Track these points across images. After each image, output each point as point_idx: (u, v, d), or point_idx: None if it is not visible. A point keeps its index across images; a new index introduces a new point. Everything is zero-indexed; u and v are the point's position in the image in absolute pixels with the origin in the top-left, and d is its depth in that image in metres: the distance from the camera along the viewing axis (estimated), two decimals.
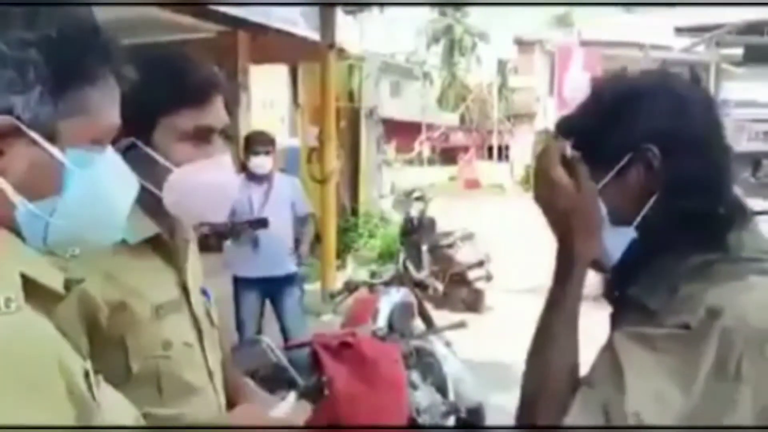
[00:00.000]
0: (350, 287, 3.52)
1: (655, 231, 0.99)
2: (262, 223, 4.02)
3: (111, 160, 0.83)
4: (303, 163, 7.53)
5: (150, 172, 1.18)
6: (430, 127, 32.04)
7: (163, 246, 1.24)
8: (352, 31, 10.68)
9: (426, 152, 31.50)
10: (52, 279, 0.74)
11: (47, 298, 0.73)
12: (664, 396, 0.88)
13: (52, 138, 0.74)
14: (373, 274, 3.66)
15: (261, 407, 1.23)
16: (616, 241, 1.00)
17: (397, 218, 9.14)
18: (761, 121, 29.31)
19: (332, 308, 3.59)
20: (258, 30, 6.10)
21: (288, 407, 1.18)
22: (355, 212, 9.55)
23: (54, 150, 0.75)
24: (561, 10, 41.43)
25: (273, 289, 4.41)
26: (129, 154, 1.14)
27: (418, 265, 5.93)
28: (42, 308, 0.72)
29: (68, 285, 0.77)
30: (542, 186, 1.00)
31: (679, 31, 30.63)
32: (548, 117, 29.50)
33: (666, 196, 0.98)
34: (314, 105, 8.00)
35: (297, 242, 4.54)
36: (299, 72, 9.11)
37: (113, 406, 0.78)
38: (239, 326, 4.36)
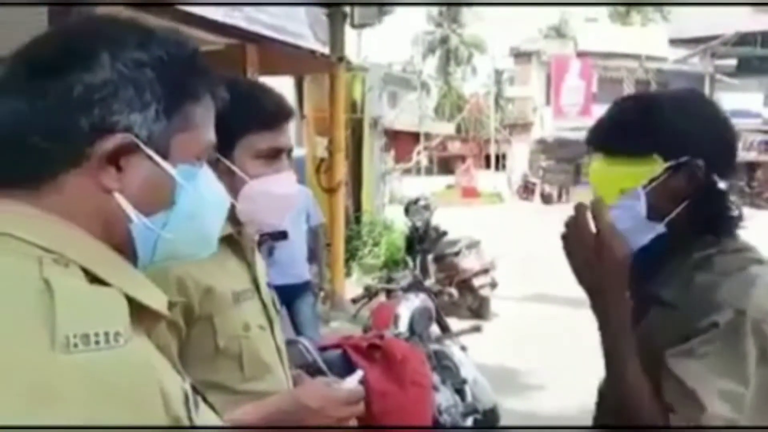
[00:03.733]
0: (370, 293, 3.65)
1: (678, 230, 1.16)
2: (283, 235, 4.15)
3: (209, 176, 0.86)
4: (311, 173, 7.65)
5: (227, 183, 1.35)
6: (428, 136, 32.23)
7: (234, 245, 1.41)
8: (351, 42, 10.85)
9: (424, 161, 31.69)
10: (159, 302, 0.76)
11: (150, 319, 0.74)
12: (731, 393, 1.02)
13: (164, 154, 0.77)
14: (390, 280, 3.80)
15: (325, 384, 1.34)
16: (645, 232, 1.15)
17: (399, 226, 9.27)
18: (755, 131, 29.60)
19: (353, 313, 3.72)
20: (267, 43, 6.23)
21: (357, 381, 1.28)
22: (358, 221, 9.67)
23: (168, 167, 0.78)
24: (557, 20, 41.80)
25: (289, 295, 4.54)
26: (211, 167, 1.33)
27: (425, 273, 6.07)
28: (142, 328, 0.73)
29: (170, 306, 0.78)
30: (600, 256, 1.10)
31: (674, 42, 31.05)
32: (545, 126, 29.86)
33: (697, 201, 1.15)
34: (320, 116, 8.14)
35: (311, 251, 4.69)
36: (304, 83, 9.24)
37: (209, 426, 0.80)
38: None
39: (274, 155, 1.38)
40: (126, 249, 0.77)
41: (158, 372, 0.70)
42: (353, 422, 1.29)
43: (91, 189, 0.74)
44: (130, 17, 0.82)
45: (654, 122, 1.16)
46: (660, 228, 1.16)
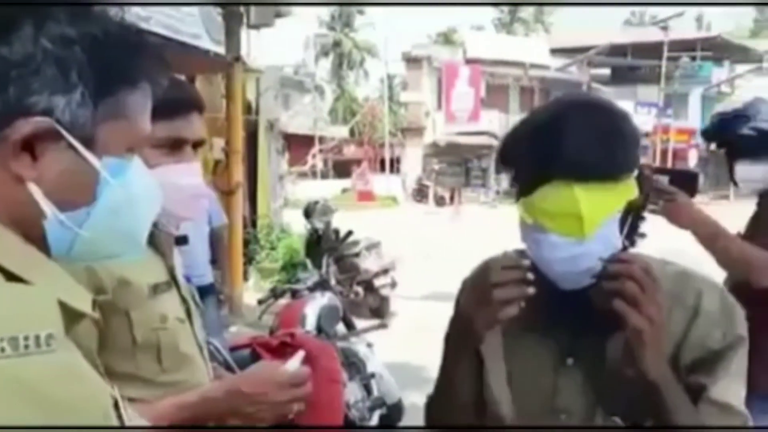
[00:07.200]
0: (276, 293, 3.64)
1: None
2: (183, 240, 4.03)
3: (140, 170, 0.78)
4: (208, 175, 7.48)
5: None
6: (322, 140, 32.26)
7: (150, 236, 1.36)
8: (242, 43, 10.67)
9: (319, 165, 31.68)
10: (84, 303, 0.69)
11: (73, 317, 0.67)
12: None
13: (88, 144, 0.69)
14: (297, 281, 3.80)
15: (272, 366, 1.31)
16: (608, 252, 1.03)
17: (297, 230, 9.22)
18: None
19: (258, 315, 3.69)
20: (163, 43, 6.05)
21: (298, 362, 1.25)
22: (254, 224, 9.53)
23: (92, 158, 0.70)
24: (446, 28, 43.15)
25: None
26: None
27: (326, 275, 6.09)
28: (66, 327, 0.66)
29: (93, 305, 0.73)
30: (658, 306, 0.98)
31: (555, 52, 32.92)
32: (437, 131, 30.70)
33: (639, 211, 1.09)
34: (212, 116, 7.98)
35: (213, 253, 4.60)
36: (197, 84, 9.02)
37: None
38: None
39: (176, 145, 1.34)
40: (42, 243, 0.70)
41: (92, 377, 0.65)
42: (300, 405, 1.25)
43: (2, 177, 0.66)
44: None
45: (628, 138, 1.05)
46: (618, 245, 1.05)
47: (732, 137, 2.30)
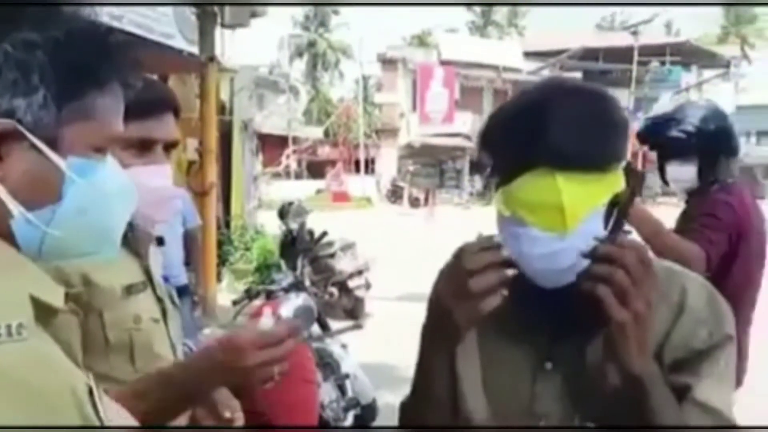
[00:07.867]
0: (251, 294, 3.64)
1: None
2: (159, 241, 4.02)
3: (111, 170, 0.79)
4: (182, 175, 7.42)
5: None
6: (297, 140, 32.16)
7: (125, 237, 1.36)
8: (216, 43, 10.59)
9: (293, 165, 31.58)
10: (56, 296, 0.71)
11: (47, 312, 0.69)
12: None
13: (53, 144, 0.71)
14: (272, 282, 3.80)
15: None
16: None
17: (271, 230, 9.19)
18: None
19: (233, 315, 3.69)
20: (136, 43, 6.01)
21: (270, 321, 1.16)
22: (228, 225, 9.49)
23: (55, 157, 0.71)
24: (420, 30, 43.35)
25: None
26: None
27: (301, 276, 6.08)
28: (41, 321, 0.68)
29: (66, 298, 0.74)
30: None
31: (528, 55, 33.24)
32: (411, 132, 30.83)
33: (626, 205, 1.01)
34: (185, 117, 7.91)
35: (187, 254, 4.59)
36: (170, 83, 8.95)
37: (116, 420, 0.76)
38: None
39: (146, 146, 1.33)
40: (13, 241, 0.72)
41: (65, 365, 0.67)
42: (282, 367, 1.14)
43: None
44: None
45: (616, 126, 0.97)
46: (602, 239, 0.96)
47: (663, 139, 2.42)
